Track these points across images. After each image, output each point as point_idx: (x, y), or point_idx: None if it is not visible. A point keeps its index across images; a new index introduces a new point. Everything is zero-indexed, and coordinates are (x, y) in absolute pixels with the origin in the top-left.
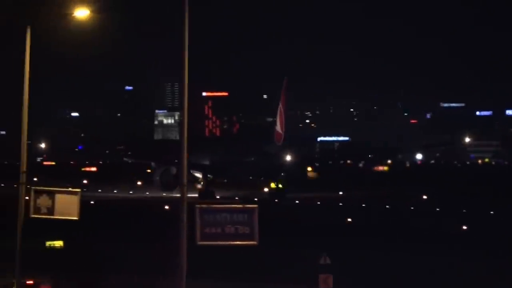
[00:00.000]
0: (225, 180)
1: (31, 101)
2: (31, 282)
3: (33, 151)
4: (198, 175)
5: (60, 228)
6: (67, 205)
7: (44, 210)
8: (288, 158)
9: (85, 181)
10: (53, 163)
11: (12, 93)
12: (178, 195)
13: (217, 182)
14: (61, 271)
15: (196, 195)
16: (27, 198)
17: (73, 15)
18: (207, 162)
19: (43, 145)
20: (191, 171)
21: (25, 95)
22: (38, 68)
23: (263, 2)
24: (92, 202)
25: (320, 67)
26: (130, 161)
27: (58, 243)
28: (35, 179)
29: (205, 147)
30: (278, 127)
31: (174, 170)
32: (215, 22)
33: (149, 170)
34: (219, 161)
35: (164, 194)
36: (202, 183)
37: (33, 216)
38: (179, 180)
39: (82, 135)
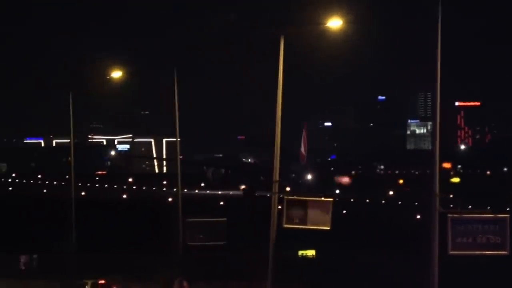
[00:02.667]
0: None
1: (284, 111)
2: (103, 281)
3: (285, 161)
4: None
5: (313, 237)
6: (319, 215)
7: (296, 220)
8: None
9: (337, 191)
10: None
11: (264, 103)
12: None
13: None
14: (312, 279)
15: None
16: (279, 207)
17: (326, 25)
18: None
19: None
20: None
21: (278, 106)
22: (290, 77)
23: None
24: (344, 212)
25: None
26: (380, 172)
27: (311, 252)
28: (287, 189)
29: None
30: (302, 149)
31: (223, 170)
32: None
33: None
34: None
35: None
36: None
37: (285, 226)
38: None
39: (335, 144)
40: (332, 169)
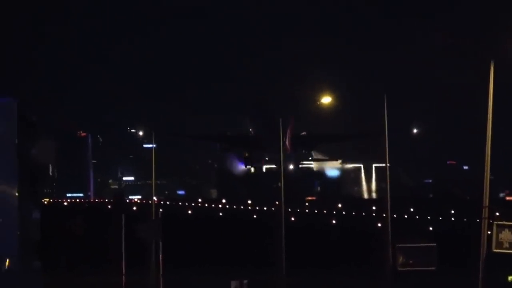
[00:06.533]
0: None
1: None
2: None
3: (496, 186)
4: None
5: None
6: None
7: (506, 244)
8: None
9: None
10: None
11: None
12: None
13: None
14: None
15: None
16: (489, 232)
17: None
18: None
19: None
20: None
21: (488, 130)
22: (500, 99)
23: None
24: None
25: None
26: None
27: None
28: (497, 213)
29: None
30: (287, 141)
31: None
32: None
33: None
34: None
35: None
36: None
37: (495, 250)
38: None
39: None
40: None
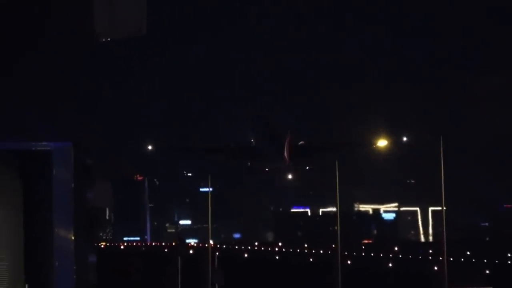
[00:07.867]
0: None
1: None
2: None
3: None
4: None
5: None
6: None
7: None
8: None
9: None
10: None
11: None
12: None
13: None
14: None
15: None
16: None
17: None
18: None
19: None
20: None
21: None
22: None
23: None
24: None
25: None
26: None
27: None
28: None
29: None
30: (286, 154)
31: None
32: None
33: None
34: None
35: None
36: None
37: None
38: None
39: None
40: None
